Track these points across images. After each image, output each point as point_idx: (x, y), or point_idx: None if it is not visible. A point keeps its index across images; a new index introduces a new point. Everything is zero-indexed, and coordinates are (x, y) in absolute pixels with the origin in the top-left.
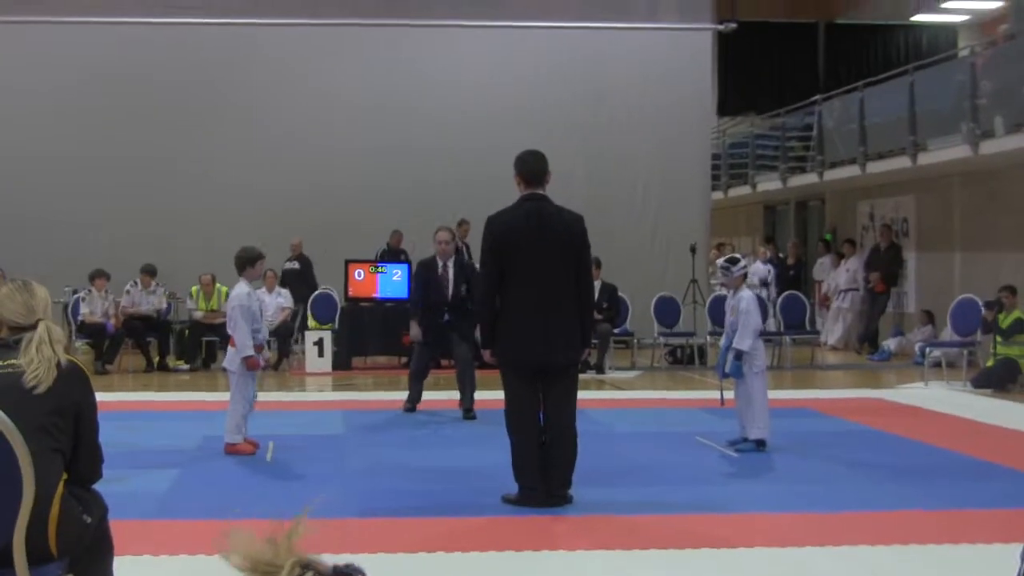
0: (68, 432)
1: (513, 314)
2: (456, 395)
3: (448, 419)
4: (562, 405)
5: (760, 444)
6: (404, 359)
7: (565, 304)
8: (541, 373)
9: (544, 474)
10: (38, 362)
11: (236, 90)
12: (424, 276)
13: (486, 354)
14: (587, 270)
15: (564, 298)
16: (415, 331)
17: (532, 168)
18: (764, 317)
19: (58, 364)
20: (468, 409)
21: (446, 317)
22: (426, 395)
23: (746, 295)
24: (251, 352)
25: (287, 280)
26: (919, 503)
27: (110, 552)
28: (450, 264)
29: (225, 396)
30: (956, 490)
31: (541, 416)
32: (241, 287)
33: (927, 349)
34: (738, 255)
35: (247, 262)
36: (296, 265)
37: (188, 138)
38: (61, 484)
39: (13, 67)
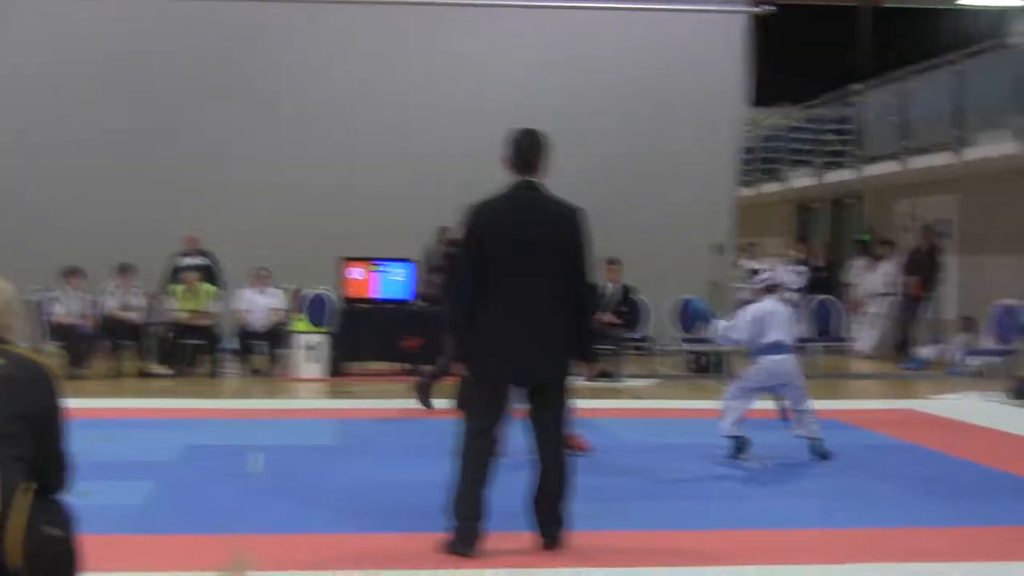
0: (33, 439)
1: (494, 320)
2: None
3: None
4: (553, 428)
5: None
6: (405, 365)
7: (558, 310)
8: (524, 389)
9: (535, 512)
10: None
11: (228, 71)
12: None
13: (457, 368)
14: (582, 270)
15: (557, 302)
16: None
17: (525, 152)
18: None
19: (23, 365)
20: None
21: None
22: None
23: (754, 308)
24: None
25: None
26: (952, 520)
27: (79, 568)
28: None
29: (209, 403)
30: (991, 506)
31: (534, 442)
32: None
33: (965, 358)
34: (758, 265)
35: None
36: (199, 261)
37: (169, 125)
38: (27, 494)
39: None
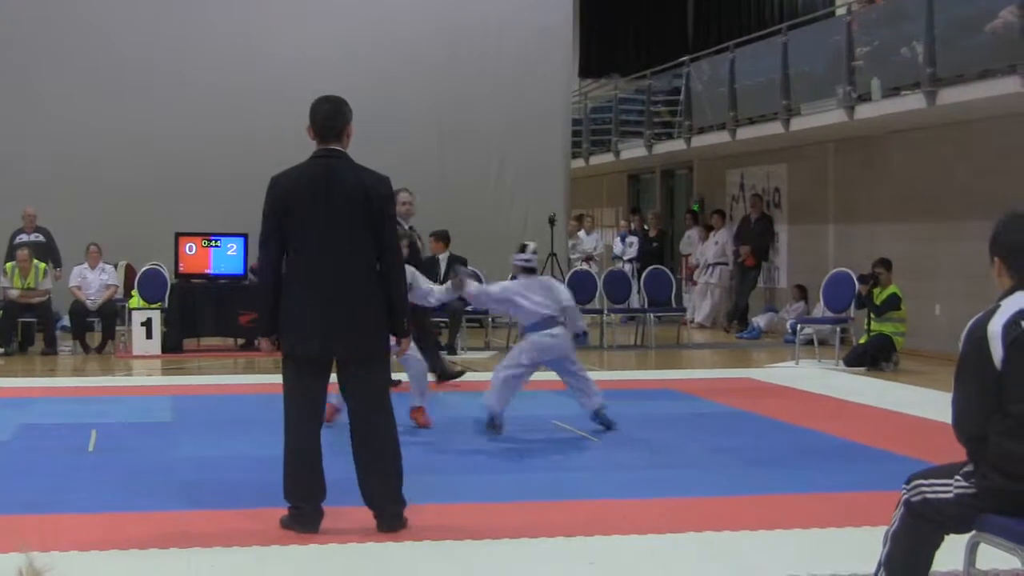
0: None
1: (296, 294)
2: None
3: None
4: (370, 406)
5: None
6: (241, 340)
7: (363, 283)
8: (330, 365)
9: (365, 493)
10: None
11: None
12: None
13: (262, 342)
14: (392, 241)
15: (362, 275)
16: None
17: (323, 119)
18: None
19: None
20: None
21: None
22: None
23: (507, 284)
24: None
25: (36, 256)
26: (783, 487)
27: None
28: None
29: (42, 381)
30: (821, 473)
31: (350, 416)
32: None
33: (798, 326)
34: (528, 243)
35: None
36: (40, 238)
37: (6, 89)
38: None
39: None
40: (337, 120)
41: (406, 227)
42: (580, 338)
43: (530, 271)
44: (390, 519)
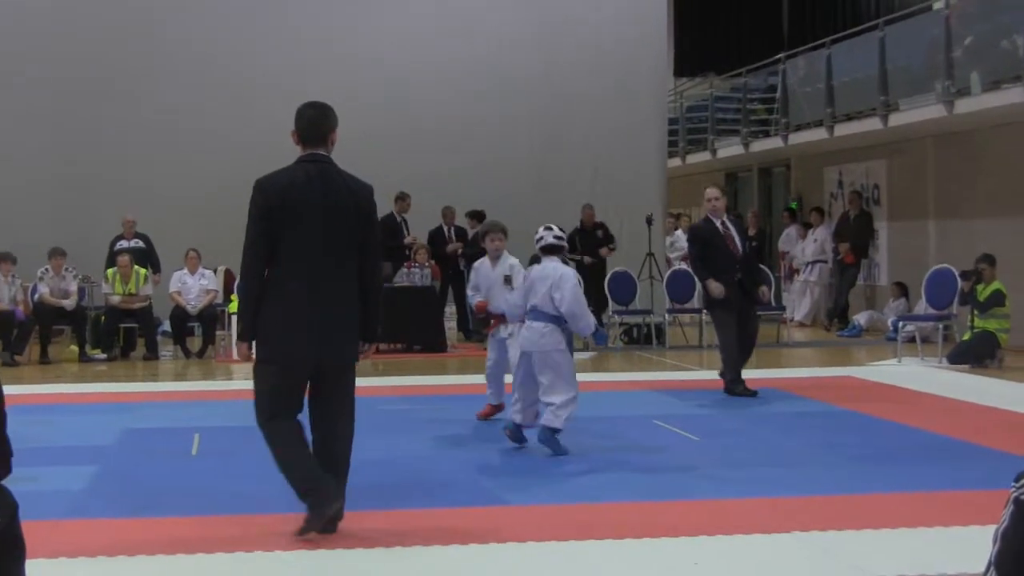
0: None
1: (282, 299)
2: None
3: (397, 406)
4: (341, 411)
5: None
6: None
7: (347, 289)
8: (310, 373)
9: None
10: None
11: (160, 48)
12: (703, 237)
13: (241, 348)
14: (374, 249)
15: (346, 282)
16: (717, 290)
17: (310, 124)
18: None
19: None
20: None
21: (738, 276)
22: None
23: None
24: None
25: (136, 262)
26: (889, 486)
27: (21, 553)
28: (728, 222)
29: (144, 386)
30: (928, 471)
31: (314, 418)
32: None
33: (900, 323)
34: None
35: None
36: (140, 244)
37: (97, 105)
38: None
39: None
40: (323, 125)
41: None
42: (598, 337)
43: (550, 250)
44: (328, 520)
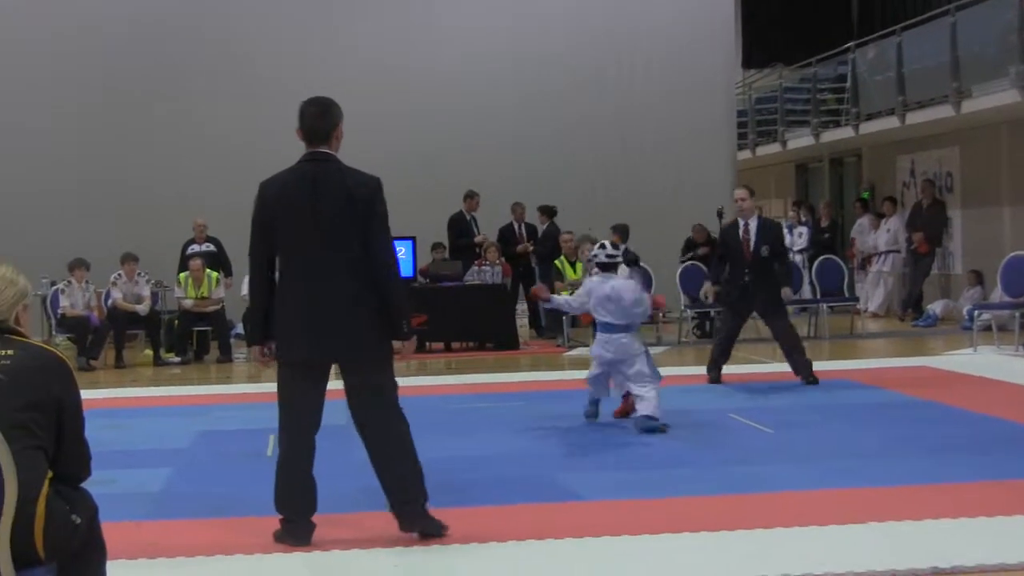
0: (50, 428)
1: (287, 299)
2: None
3: (472, 404)
4: (374, 408)
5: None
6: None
7: (351, 287)
8: (324, 370)
9: (387, 493)
10: None
11: (224, 51)
12: (723, 240)
13: (254, 351)
14: (382, 242)
15: (350, 277)
16: (705, 292)
17: (310, 121)
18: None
19: (35, 356)
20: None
21: (746, 279)
22: (444, 379)
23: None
24: None
25: (208, 265)
26: (968, 475)
27: (102, 554)
28: (751, 223)
29: (218, 388)
30: (1006, 460)
31: (356, 422)
32: None
33: (976, 312)
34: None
35: None
36: (211, 248)
37: (170, 108)
38: (46, 484)
39: None
40: (325, 122)
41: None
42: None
43: (605, 268)
44: (409, 518)
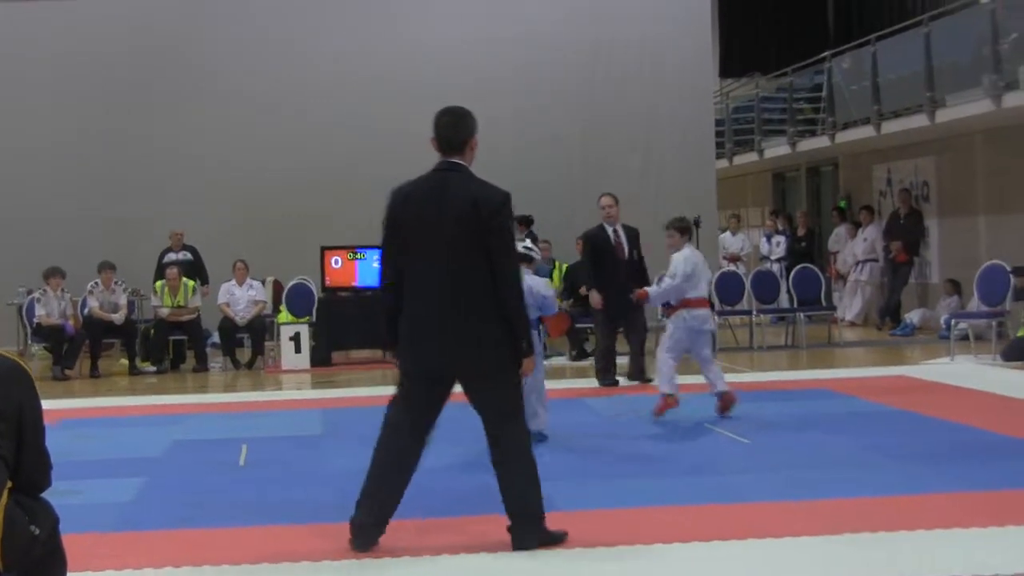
0: (10, 437)
1: (410, 308)
2: None
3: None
4: (502, 420)
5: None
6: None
7: (472, 298)
8: (444, 383)
9: (504, 503)
10: None
11: (198, 63)
12: (595, 245)
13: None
14: (504, 257)
15: (471, 290)
16: (596, 300)
17: (443, 131)
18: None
19: None
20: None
21: (623, 282)
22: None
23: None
24: None
25: (185, 274)
26: (943, 485)
27: (63, 567)
28: (619, 228)
29: (193, 398)
30: (982, 471)
31: (487, 437)
32: None
33: (953, 321)
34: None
35: None
36: (188, 256)
37: (146, 118)
38: (6, 493)
39: None
40: (458, 132)
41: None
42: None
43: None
44: (522, 532)
